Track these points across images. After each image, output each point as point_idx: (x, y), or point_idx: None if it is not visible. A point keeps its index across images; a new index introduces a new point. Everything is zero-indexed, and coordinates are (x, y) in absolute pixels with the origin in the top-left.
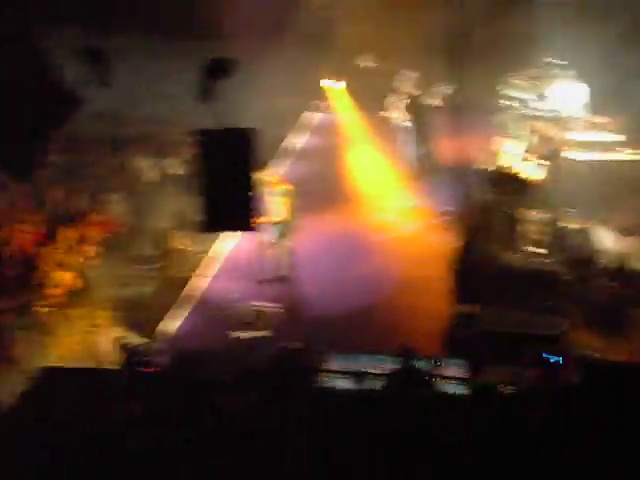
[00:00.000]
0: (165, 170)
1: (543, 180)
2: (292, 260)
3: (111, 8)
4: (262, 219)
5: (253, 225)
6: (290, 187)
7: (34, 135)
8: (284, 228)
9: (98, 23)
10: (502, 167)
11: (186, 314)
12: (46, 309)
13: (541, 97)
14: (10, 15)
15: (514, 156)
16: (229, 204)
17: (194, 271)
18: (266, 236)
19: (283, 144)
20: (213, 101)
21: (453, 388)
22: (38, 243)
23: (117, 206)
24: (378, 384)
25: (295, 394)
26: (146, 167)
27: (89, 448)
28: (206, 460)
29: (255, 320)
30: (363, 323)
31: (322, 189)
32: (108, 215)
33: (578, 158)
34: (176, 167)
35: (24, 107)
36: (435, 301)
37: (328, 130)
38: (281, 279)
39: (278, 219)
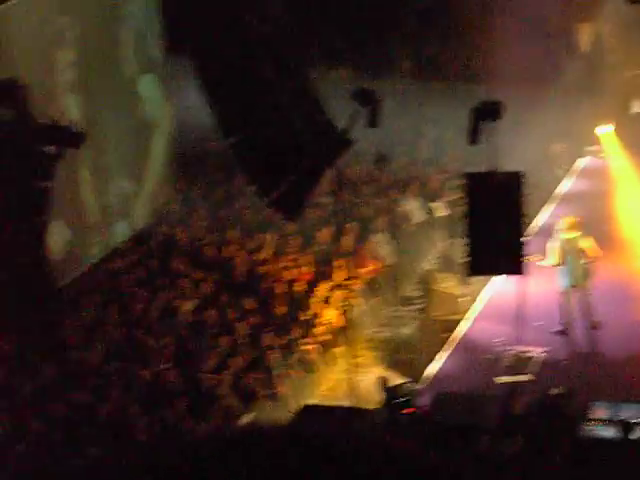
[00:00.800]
0: (432, 212)
1: None
2: (584, 307)
3: (383, 51)
4: (541, 262)
5: (522, 269)
6: (581, 232)
7: (304, 174)
8: (575, 273)
9: (369, 65)
10: None
11: (447, 356)
12: (311, 346)
13: None
14: (284, 54)
15: None
16: (497, 247)
17: (457, 313)
18: (557, 282)
19: (556, 188)
20: (482, 144)
21: None
22: (306, 281)
23: (383, 247)
24: None
25: (559, 442)
26: (413, 208)
27: None
28: None
29: (517, 364)
30: (630, 371)
31: (594, 234)
32: (374, 255)
33: None
34: (443, 209)
35: (294, 146)
36: None
37: (600, 175)
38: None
39: (562, 263)
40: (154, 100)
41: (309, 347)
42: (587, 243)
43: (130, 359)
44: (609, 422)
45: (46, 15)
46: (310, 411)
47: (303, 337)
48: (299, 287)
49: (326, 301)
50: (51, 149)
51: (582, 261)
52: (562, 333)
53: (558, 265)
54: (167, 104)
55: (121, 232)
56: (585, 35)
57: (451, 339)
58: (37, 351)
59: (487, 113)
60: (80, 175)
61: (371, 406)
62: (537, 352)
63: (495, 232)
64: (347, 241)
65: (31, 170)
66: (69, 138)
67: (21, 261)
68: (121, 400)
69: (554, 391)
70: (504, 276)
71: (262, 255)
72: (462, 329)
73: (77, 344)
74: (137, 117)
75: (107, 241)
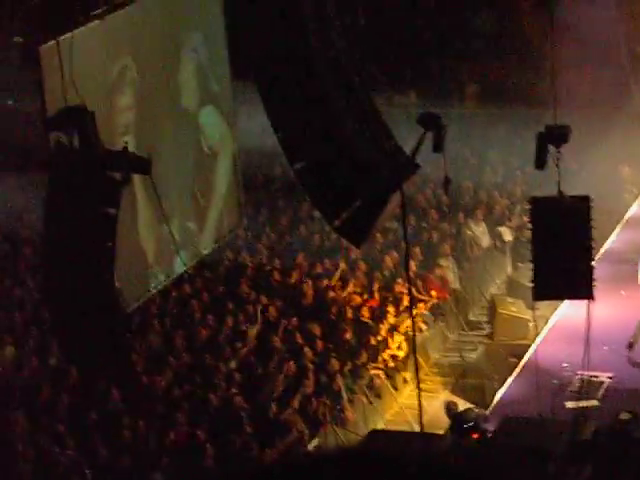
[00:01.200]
0: (497, 236)
1: None
2: None
3: (448, 76)
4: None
5: (590, 293)
6: None
7: (370, 199)
8: None
9: (435, 90)
10: None
11: (515, 380)
12: (377, 372)
13: None
14: (350, 79)
15: None
16: (564, 271)
17: (524, 338)
18: None
19: (626, 213)
20: (549, 168)
21: None
22: (373, 306)
23: (449, 272)
24: None
25: (628, 467)
26: (479, 233)
27: None
28: None
29: (584, 389)
30: None
31: None
32: (440, 280)
33: None
34: (508, 234)
35: (360, 170)
36: None
37: None
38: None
39: None
40: (216, 130)
41: (375, 372)
42: None
43: (197, 384)
44: None
45: (109, 52)
46: (377, 436)
47: (370, 362)
48: (366, 312)
49: (393, 326)
50: (117, 175)
51: None
52: (630, 346)
53: None
54: (230, 132)
55: (187, 259)
56: None
57: (516, 363)
58: (105, 377)
59: (554, 137)
60: (140, 216)
61: (439, 431)
62: (605, 377)
63: (563, 256)
64: (414, 266)
65: (97, 196)
66: (136, 164)
67: (88, 287)
68: (189, 425)
69: (623, 416)
70: (571, 300)
71: (329, 280)
72: (529, 353)
73: (145, 369)
74: (198, 150)
75: (172, 268)
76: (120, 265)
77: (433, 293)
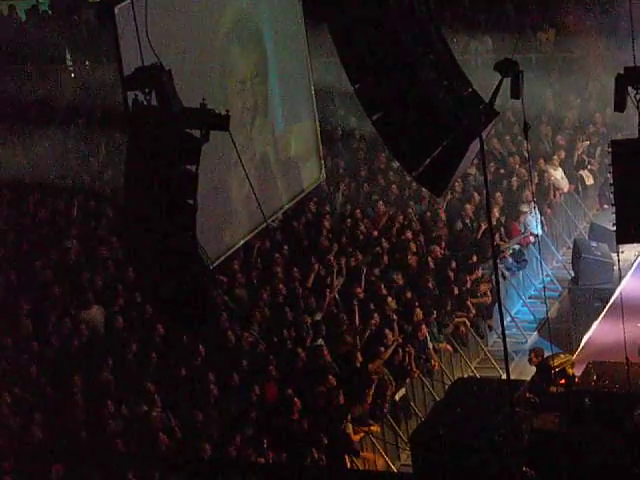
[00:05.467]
0: (579, 181)
1: None
2: None
3: (525, 21)
4: None
5: None
6: None
7: (449, 147)
8: None
9: (510, 35)
10: None
11: (599, 325)
12: (462, 320)
13: None
14: (425, 27)
15: None
16: None
17: (609, 282)
18: None
19: None
20: (628, 110)
21: None
22: (455, 256)
23: (530, 218)
24: None
25: None
26: (560, 178)
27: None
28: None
29: None
30: None
31: None
32: (522, 226)
33: None
34: (590, 177)
35: (439, 119)
36: None
37: None
38: None
39: None
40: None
41: (459, 320)
42: None
43: (283, 338)
44: None
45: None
46: (463, 384)
47: (453, 311)
48: (448, 261)
49: (474, 274)
50: (196, 132)
51: None
52: None
53: None
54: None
55: (268, 212)
56: None
57: (603, 308)
58: (191, 333)
59: (633, 79)
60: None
61: (526, 378)
62: None
63: None
64: (495, 213)
65: (176, 153)
66: (214, 121)
67: (169, 244)
68: (276, 380)
69: None
70: None
71: (410, 230)
72: (614, 297)
73: (229, 324)
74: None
75: (254, 222)
76: (203, 222)
77: (516, 239)
